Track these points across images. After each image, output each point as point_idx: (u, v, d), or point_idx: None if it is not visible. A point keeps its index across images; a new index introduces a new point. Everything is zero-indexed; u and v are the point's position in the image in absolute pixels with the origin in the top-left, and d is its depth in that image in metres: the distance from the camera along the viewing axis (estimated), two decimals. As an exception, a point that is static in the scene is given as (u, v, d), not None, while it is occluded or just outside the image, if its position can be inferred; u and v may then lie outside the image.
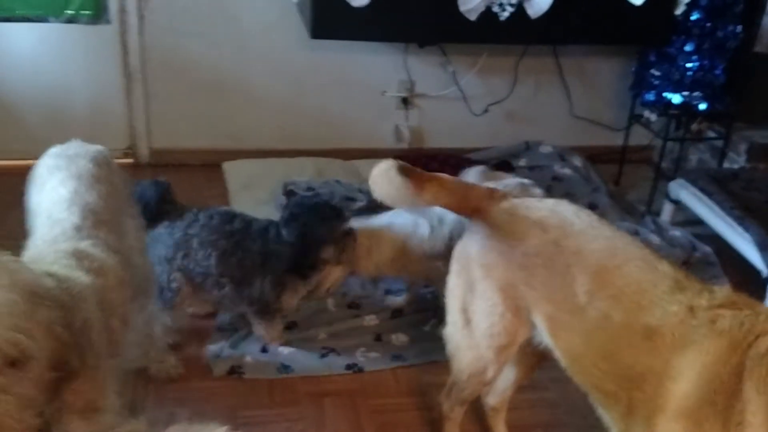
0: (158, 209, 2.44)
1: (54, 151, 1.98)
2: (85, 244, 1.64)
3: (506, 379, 2.10)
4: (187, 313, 2.63)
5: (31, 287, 1.30)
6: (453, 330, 1.92)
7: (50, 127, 3.56)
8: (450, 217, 2.50)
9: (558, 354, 1.74)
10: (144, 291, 2.01)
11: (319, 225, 2.41)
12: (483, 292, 1.80)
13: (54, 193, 1.83)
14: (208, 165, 3.67)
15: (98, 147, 2.02)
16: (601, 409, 1.67)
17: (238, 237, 2.42)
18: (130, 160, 3.74)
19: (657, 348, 1.49)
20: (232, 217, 2.47)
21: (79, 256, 1.58)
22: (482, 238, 1.81)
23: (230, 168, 3.67)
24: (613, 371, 1.58)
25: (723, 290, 1.55)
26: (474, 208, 1.84)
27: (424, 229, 2.62)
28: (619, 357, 1.56)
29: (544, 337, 1.77)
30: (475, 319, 1.84)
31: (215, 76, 3.69)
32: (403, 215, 2.54)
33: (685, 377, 1.44)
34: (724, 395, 1.37)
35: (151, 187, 2.47)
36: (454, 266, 1.89)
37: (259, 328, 2.56)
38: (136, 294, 1.85)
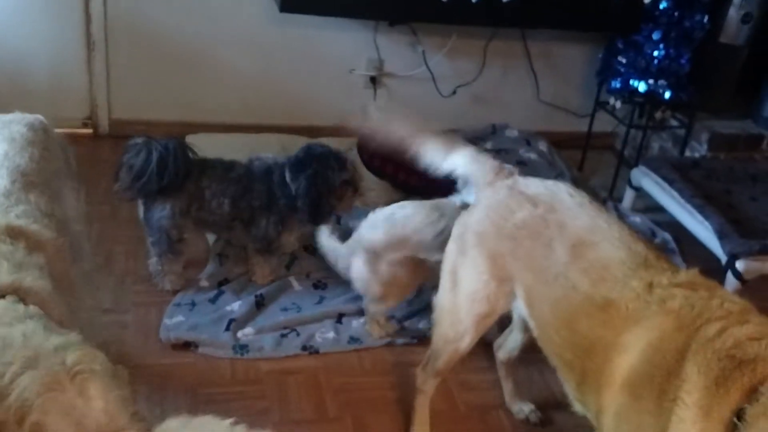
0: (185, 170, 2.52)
1: None
2: (18, 221, 1.56)
3: (514, 339, 2.23)
4: (162, 287, 2.64)
5: None
6: (440, 294, 1.98)
7: (8, 95, 3.43)
8: (449, 212, 2.50)
9: (531, 324, 1.81)
10: (80, 259, 1.96)
11: (324, 174, 2.55)
12: (473, 258, 1.86)
13: None
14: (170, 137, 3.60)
15: (36, 115, 1.98)
16: (562, 379, 1.74)
17: (245, 182, 2.59)
18: (89, 131, 3.65)
19: (610, 320, 1.55)
20: (230, 164, 2.63)
21: (12, 234, 1.51)
22: (481, 209, 1.90)
23: (193, 141, 3.58)
24: (571, 340, 1.64)
25: (688, 272, 1.59)
26: (487, 180, 1.93)
27: (424, 222, 2.51)
28: (577, 326, 1.62)
29: (522, 308, 1.82)
30: (461, 284, 1.90)
31: (180, 48, 3.61)
32: (406, 208, 2.52)
33: (631, 351, 1.49)
34: (662, 371, 1.41)
35: (174, 150, 2.49)
36: (454, 232, 1.96)
37: (255, 267, 2.73)
38: (75, 260, 1.80)
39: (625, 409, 1.48)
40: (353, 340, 2.55)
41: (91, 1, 3.44)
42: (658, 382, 1.40)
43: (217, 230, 2.74)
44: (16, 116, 1.93)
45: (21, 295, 1.32)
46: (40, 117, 1.96)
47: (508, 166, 2.03)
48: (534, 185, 1.87)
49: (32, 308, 1.28)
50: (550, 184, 1.87)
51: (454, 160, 2.01)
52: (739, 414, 1.27)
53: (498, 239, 1.82)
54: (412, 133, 2.09)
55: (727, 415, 1.28)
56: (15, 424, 1.03)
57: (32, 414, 1.03)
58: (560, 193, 1.81)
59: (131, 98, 3.66)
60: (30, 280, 1.38)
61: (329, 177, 2.57)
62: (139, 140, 2.48)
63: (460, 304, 1.91)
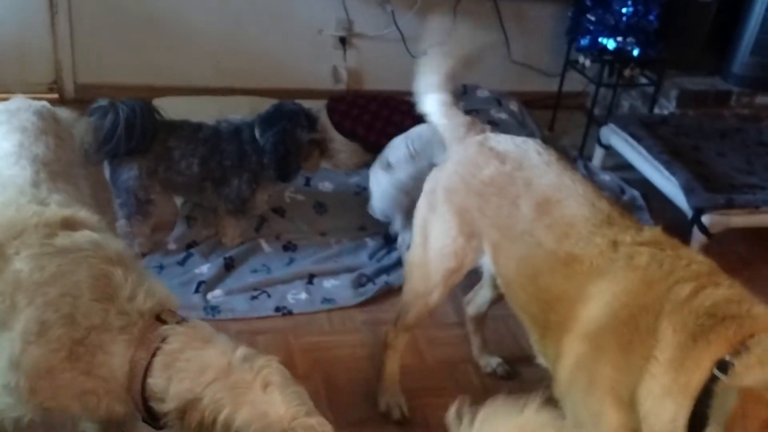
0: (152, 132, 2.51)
1: None
2: (68, 211, 1.54)
3: (483, 295, 2.26)
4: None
5: None
6: (412, 249, 2.00)
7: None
8: (427, 153, 2.57)
9: (498, 280, 1.84)
10: None
11: (292, 131, 2.58)
12: (442, 214, 1.88)
13: None
14: (138, 102, 3.56)
15: (42, 102, 1.93)
16: (528, 332, 1.76)
17: (213, 141, 2.60)
18: (55, 96, 3.59)
19: (574, 274, 1.57)
20: (198, 125, 2.63)
21: (70, 225, 1.50)
22: (451, 165, 1.91)
23: (161, 105, 3.53)
24: (536, 294, 1.67)
25: (652, 230, 1.62)
26: (458, 136, 1.94)
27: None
28: (542, 281, 1.64)
29: (489, 264, 1.85)
30: (430, 239, 1.92)
31: (146, 9, 3.55)
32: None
33: (594, 303, 1.51)
34: (630, 327, 1.42)
35: (141, 111, 2.48)
36: (425, 188, 1.98)
37: (225, 229, 2.73)
38: None
39: (584, 359, 1.51)
40: (326, 300, 2.57)
41: (52, -37, 3.38)
42: (626, 338, 1.42)
43: (188, 192, 2.73)
44: (22, 103, 1.88)
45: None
46: (46, 104, 1.93)
47: (481, 123, 2.03)
48: (504, 142, 1.87)
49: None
50: (520, 141, 1.88)
51: (428, 106, 2.00)
52: (721, 365, 1.28)
53: (466, 195, 1.84)
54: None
55: (706, 366, 1.29)
56: (210, 421, 1.26)
57: (225, 409, 1.26)
58: (529, 150, 1.82)
59: (97, 62, 3.60)
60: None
61: (297, 135, 2.58)
62: (104, 102, 2.46)
63: (429, 259, 1.93)
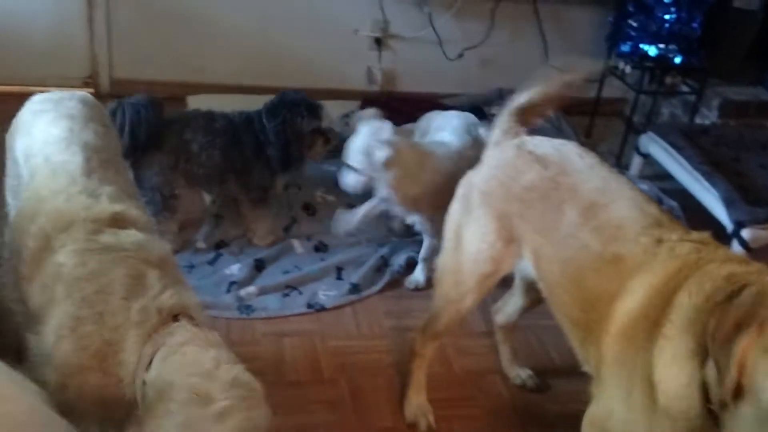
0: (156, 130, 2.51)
1: (38, 97, 1.88)
2: (117, 205, 1.54)
3: (514, 303, 2.21)
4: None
5: None
6: (443, 253, 1.96)
7: (9, 53, 3.43)
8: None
9: (540, 285, 1.79)
10: None
11: (292, 120, 2.59)
12: (478, 218, 1.84)
13: (45, 134, 1.72)
14: (172, 98, 3.54)
15: (84, 92, 1.94)
16: (570, 338, 1.72)
17: (231, 132, 2.61)
18: (90, 90, 3.61)
19: (618, 272, 1.54)
20: (211, 114, 2.64)
21: (119, 223, 1.49)
22: (488, 168, 1.87)
23: (194, 102, 3.56)
24: (579, 296, 1.63)
25: (701, 233, 1.57)
26: (494, 139, 1.92)
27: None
28: (585, 283, 1.61)
29: (530, 269, 1.80)
30: (464, 243, 1.88)
31: (182, 6, 3.56)
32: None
33: (632, 296, 1.48)
34: (657, 308, 1.40)
35: (147, 107, 2.49)
36: (458, 192, 1.94)
37: (255, 227, 2.74)
38: None
39: (621, 355, 1.47)
40: (353, 288, 2.56)
41: (91, -42, 3.40)
42: (652, 318, 1.40)
43: (210, 184, 2.73)
44: (65, 93, 1.88)
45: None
46: (89, 94, 1.93)
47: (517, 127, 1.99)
48: (542, 145, 1.83)
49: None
50: (558, 143, 1.84)
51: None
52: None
53: (506, 200, 1.80)
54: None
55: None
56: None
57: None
58: (570, 154, 1.78)
59: (133, 57, 3.62)
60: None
61: (298, 124, 2.60)
62: (113, 104, 2.48)
63: (463, 263, 1.89)
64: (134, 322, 1.34)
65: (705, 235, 1.56)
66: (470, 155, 2.46)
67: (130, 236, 1.46)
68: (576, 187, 1.70)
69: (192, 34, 3.62)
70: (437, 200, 2.39)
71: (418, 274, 2.64)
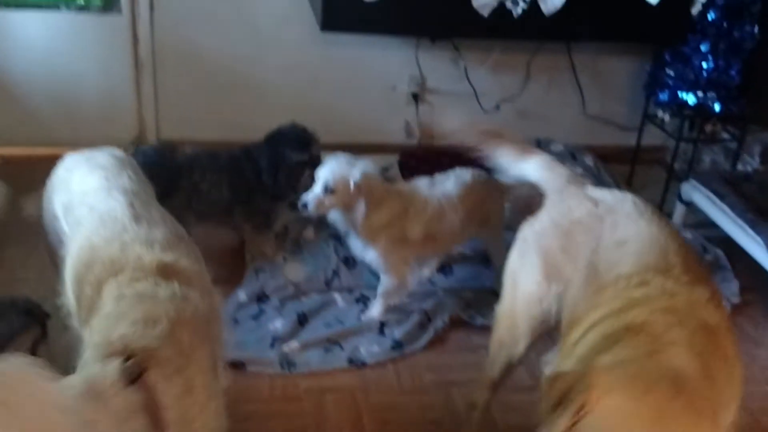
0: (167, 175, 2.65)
1: (69, 156, 1.98)
2: (166, 255, 1.57)
3: None
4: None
5: None
6: (501, 300, 1.99)
7: (59, 115, 3.57)
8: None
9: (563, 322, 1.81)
10: None
11: (282, 152, 2.78)
12: (530, 259, 1.88)
13: (83, 185, 1.80)
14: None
15: (112, 149, 2.03)
16: None
17: (234, 166, 2.81)
18: (138, 151, 3.73)
19: (593, 303, 1.61)
20: (214, 154, 2.84)
21: (164, 271, 1.52)
22: (545, 212, 1.93)
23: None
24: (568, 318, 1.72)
25: (705, 289, 1.57)
26: (556, 187, 1.96)
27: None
28: (576, 306, 1.70)
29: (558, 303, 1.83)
30: (518, 287, 1.91)
31: (225, 68, 3.68)
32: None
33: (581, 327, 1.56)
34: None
35: (158, 154, 2.74)
36: (518, 236, 1.98)
37: (262, 247, 2.91)
38: None
39: None
40: (396, 345, 2.57)
41: (138, 24, 3.54)
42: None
43: (220, 218, 2.86)
44: (91, 151, 1.98)
45: None
46: (115, 149, 2.03)
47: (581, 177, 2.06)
48: (602, 192, 1.91)
49: None
50: (619, 193, 1.91)
51: (526, 167, 2.03)
52: None
53: (553, 236, 1.84)
54: (488, 137, 2.10)
55: None
56: None
57: None
58: (626, 200, 1.84)
59: (179, 118, 3.73)
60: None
61: (286, 156, 2.76)
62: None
63: (516, 307, 1.91)
64: None
65: (698, 295, 1.53)
66: (454, 202, 2.66)
67: (170, 288, 1.47)
68: (618, 224, 1.75)
69: (236, 95, 3.73)
70: (396, 233, 2.55)
71: (373, 309, 2.70)
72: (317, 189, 2.50)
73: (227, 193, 2.78)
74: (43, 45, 3.51)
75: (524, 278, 1.89)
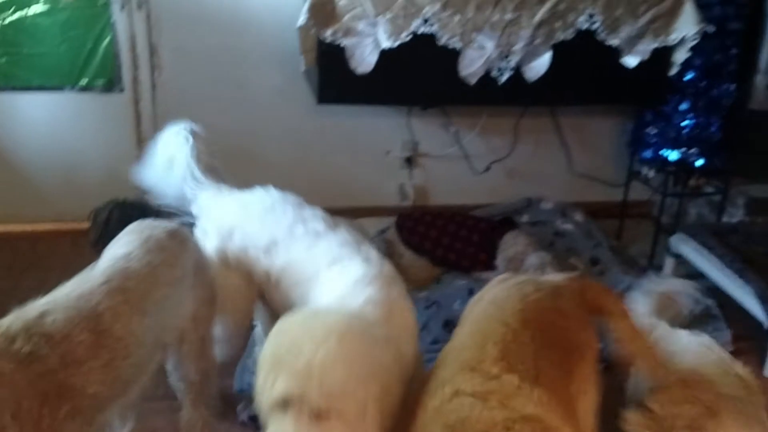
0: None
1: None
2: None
3: None
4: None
5: None
6: None
7: (62, 192, 3.67)
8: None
9: None
10: None
11: None
12: None
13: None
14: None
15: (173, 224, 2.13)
16: None
17: None
18: (139, 221, 3.82)
19: None
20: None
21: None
22: None
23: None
24: None
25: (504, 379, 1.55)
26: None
27: None
28: None
29: None
30: None
31: (226, 142, 3.74)
32: None
33: None
34: None
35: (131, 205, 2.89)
36: None
37: None
38: None
39: None
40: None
41: (140, 102, 3.67)
42: None
43: None
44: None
45: None
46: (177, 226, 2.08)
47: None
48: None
49: None
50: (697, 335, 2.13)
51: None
52: None
53: None
54: None
55: None
56: None
57: None
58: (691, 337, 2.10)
59: (180, 190, 3.83)
60: None
61: None
62: (102, 204, 2.84)
63: None
64: None
65: (506, 385, 1.51)
66: None
67: None
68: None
69: (237, 166, 3.78)
70: None
71: None
72: None
73: None
74: (48, 124, 3.63)
75: None
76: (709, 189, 3.92)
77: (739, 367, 2.00)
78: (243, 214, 2.27)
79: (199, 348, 2.04)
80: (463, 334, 1.69)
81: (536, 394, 1.48)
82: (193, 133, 2.47)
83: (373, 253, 1.99)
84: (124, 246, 1.86)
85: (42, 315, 1.51)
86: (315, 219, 2.15)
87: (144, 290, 1.75)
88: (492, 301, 1.73)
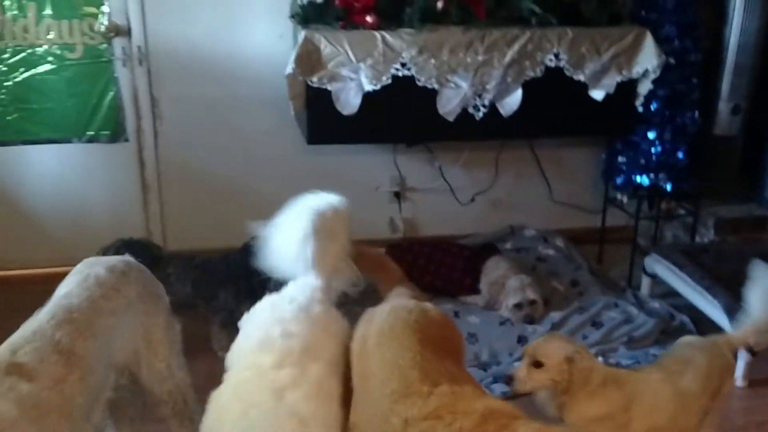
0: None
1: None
2: None
3: None
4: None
5: None
6: None
7: (73, 237, 3.86)
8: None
9: None
10: None
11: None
12: None
13: None
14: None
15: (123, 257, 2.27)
16: None
17: (204, 266, 3.21)
18: (146, 263, 4.01)
19: None
20: (192, 256, 3.25)
21: None
22: None
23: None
24: None
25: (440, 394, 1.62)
26: None
27: None
28: None
29: None
30: None
31: (224, 182, 4.01)
32: None
33: None
34: None
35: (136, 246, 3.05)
36: None
37: (217, 340, 3.16)
38: None
39: None
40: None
41: (144, 150, 3.90)
42: None
43: (181, 308, 2.95)
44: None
45: None
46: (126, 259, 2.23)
47: None
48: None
49: None
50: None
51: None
52: None
53: None
54: None
55: None
56: None
57: None
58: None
59: (183, 232, 4.04)
60: None
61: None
62: (109, 244, 3.08)
63: None
64: None
65: (443, 393, 1.58)
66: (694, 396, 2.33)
67: None
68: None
69: (233, 205, 4.02)
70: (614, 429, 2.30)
71: None
72: (524, 363, 2.19)
73: (190, 288, 3.12)
74: (58, 174, 3.85)
75: None
76: (681, 211, 4.12)
77: None
78: None
79: (165, 370, 2.19)
80: (370, 368, 1.76)
81: (467, 390, 1.61)
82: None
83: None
84: (64, 287, 2.00)
85: (13, 352, 1.69)
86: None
87: (89, 319, 1.87)
88: (380, 334, 1.82)
